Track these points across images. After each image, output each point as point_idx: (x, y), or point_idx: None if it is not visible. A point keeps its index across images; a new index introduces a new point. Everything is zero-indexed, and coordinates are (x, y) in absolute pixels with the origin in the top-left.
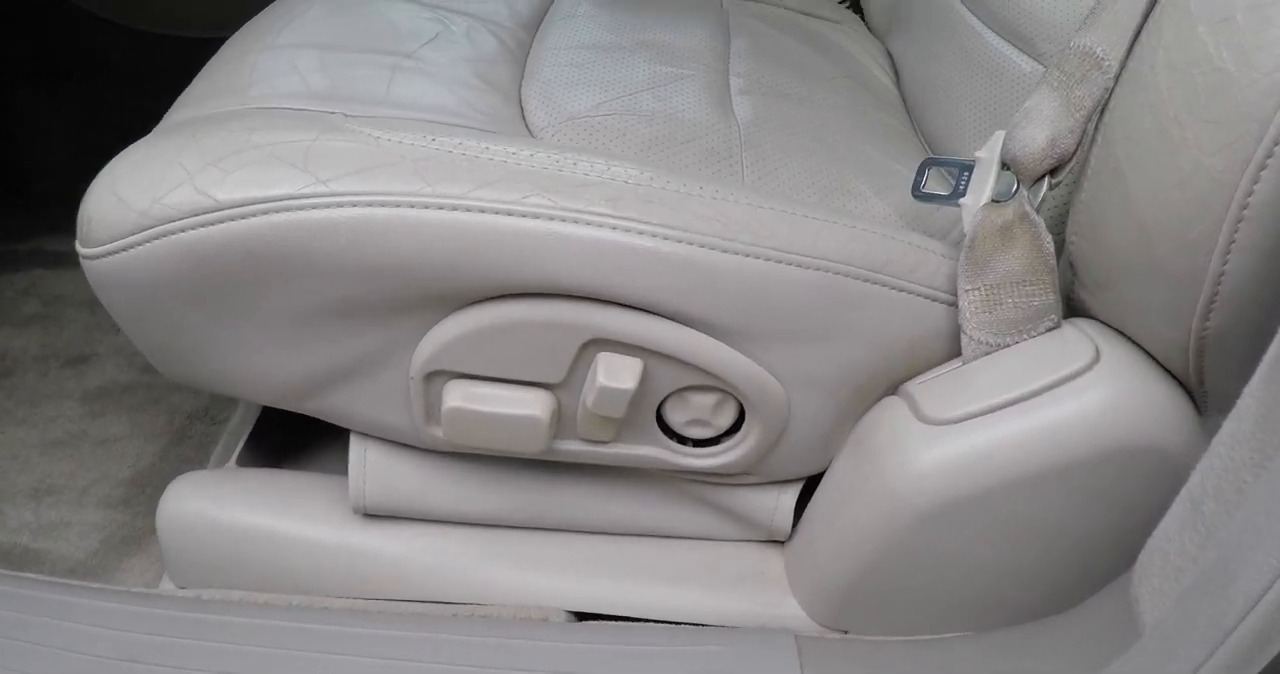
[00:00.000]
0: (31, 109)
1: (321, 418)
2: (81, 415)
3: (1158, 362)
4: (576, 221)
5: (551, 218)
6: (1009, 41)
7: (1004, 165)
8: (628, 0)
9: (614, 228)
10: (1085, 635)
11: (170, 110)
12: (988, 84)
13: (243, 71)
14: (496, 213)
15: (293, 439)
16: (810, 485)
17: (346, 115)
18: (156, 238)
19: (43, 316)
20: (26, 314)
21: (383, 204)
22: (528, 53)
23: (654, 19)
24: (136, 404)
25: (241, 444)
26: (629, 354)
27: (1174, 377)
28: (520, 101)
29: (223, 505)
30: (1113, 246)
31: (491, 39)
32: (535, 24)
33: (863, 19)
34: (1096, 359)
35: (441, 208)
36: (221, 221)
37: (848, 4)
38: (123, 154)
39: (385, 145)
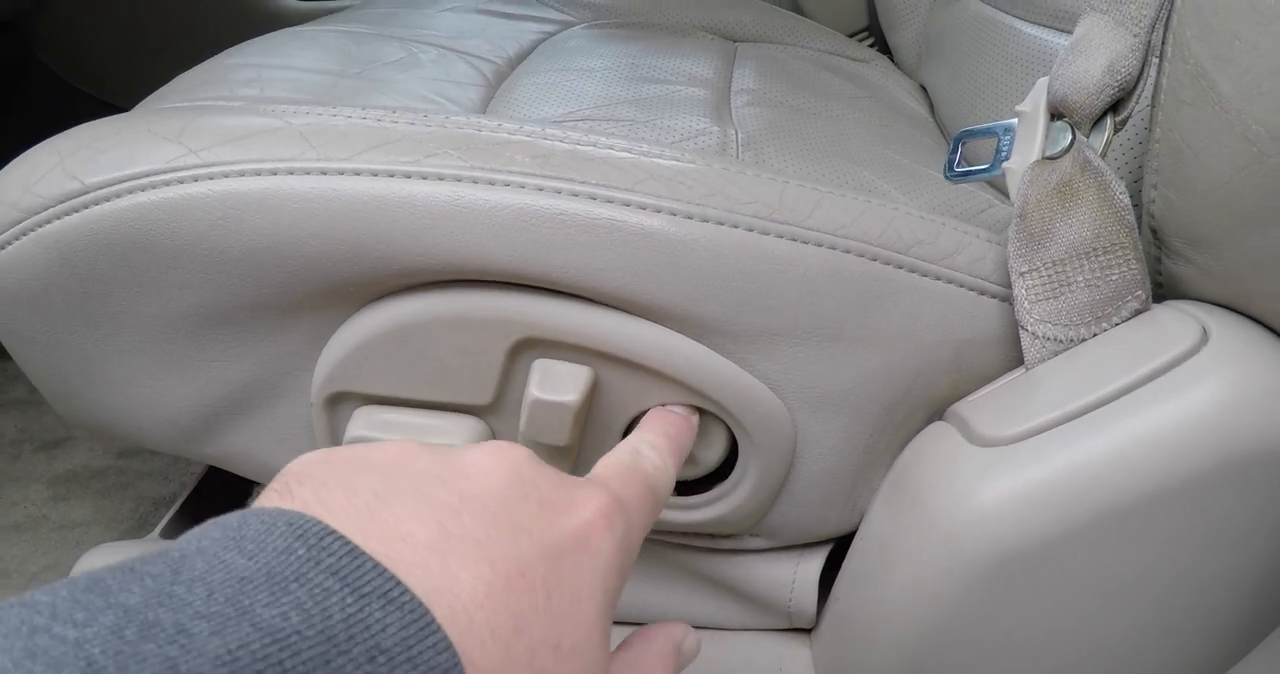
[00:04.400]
0: None
1: (228, 468)
2: (46, 499)
3: None
4: (492, 183)
5: (459, 179)
6: (1053, 28)
7: (1054, 115)
8: (629, 37)
9: (540, 189)
10: None
11: None
12: (1032, 76)
13: (190, 82)
14: (391, 176)
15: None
16: (838, 553)
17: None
18: (25, 233)
19: (25, 402)
20: (11, 398)
21: (257, 172)
22: (505, 81)
23: (653, 48)
24: (104, 489)
25: (171, 513)
26: (575, 359)
27: None
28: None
29: None
30: (1209, 181)
31: (464, 65)
32: (521, 59)
33: (891, 60)
34: (1204, 341)
35: (324, 173)
36: (86, 207)
37: (874, 45)
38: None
39: (274, 114)
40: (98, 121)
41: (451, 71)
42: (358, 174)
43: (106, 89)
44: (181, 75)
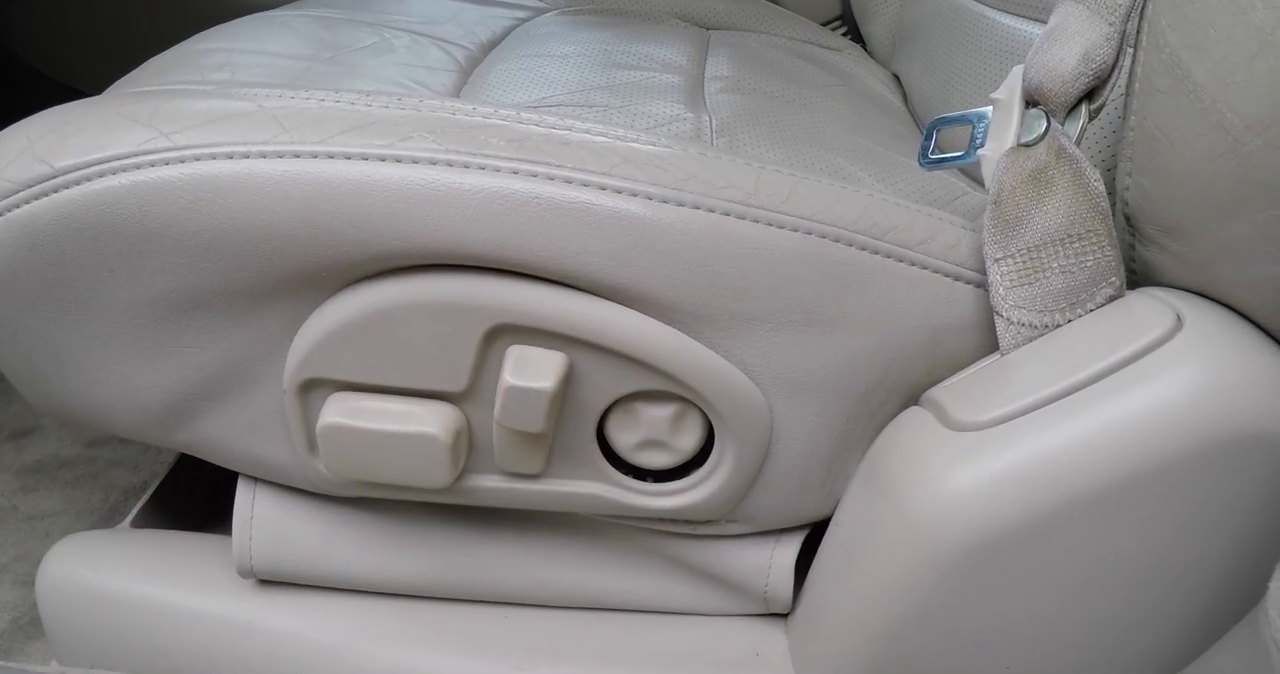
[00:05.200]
0: None
1: (199, 456)
2: (14, 490)
3: (1258, 326)
4: (467, 166)
5: (434, 162)
6: (1026, 17)
7: (1029, 103)
8: (602, 24)
9: (516, 172)
10: None
11: None
12: (1005, 65)
13: (159, 67)
14: (365, 159)
15: (212, 502)
16: (814, 538)
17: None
18: None
19: None
20: None
21: (229, 155)
22: (478, 67)
23: (626, 36)
24: (73, 479)
25: (141, 503)
26: (550, 345)
27: None
28: None
29: (102, 570)
30: (1184, 169)
31: (437, 51)
32: (494, 45)
33: (865, 49)
34: (1177, 327)
35: (298, 156)
36: (55, 191)
37: (848, 34)
38: None
39: (247, 98)
40: (66, 105)
41: (424, 57)
42: (331, 157)
43: (80, 77)
44: (150, 60)
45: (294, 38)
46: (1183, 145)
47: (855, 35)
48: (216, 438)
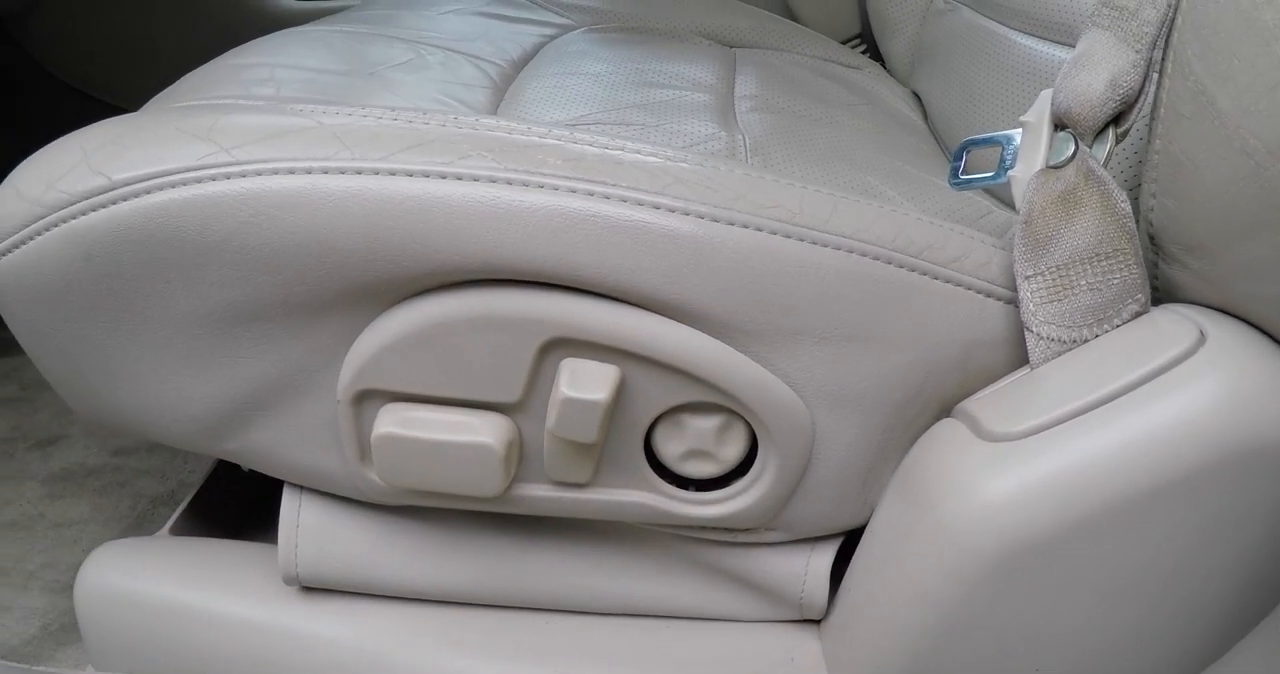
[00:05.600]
0: None
1: (246, 465)
2: (41, 497)
3: (1277, 342)
4: (526, 185)
5: (494, 180)
6: (1047, 38)
7: (1057, 126)
8: (629, 41)
9: (573, 191)
10: None
11: None
12: (1026, 86)
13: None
14: (427, 176)
15: (251, 510)
16: (848, 546)
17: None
18: (48, 228)
19: (18, 399)
20: (3, 397)
21: (291, 171)
22: (511, 83)
23: (655, 54)
24: (100, 487)
25: (180, 510)
26: (602, 358)
27: None
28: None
29: (142, 577)
30: (1207, 191)
31: (471, 68)
32: (525, 62)
33: (884, 66)
34: (1201, 342)
35: (360, 173)
36: (114, 203)
37: (867, 52)
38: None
39: (305, 114)
40: (116, 119)
41: (459, 74)
42: (393, 174)
43: (100, 87)
44: (187, 75)
45: (331, 54)
46: (1206, 169)
47: (874, 53)
48: (267, 447)
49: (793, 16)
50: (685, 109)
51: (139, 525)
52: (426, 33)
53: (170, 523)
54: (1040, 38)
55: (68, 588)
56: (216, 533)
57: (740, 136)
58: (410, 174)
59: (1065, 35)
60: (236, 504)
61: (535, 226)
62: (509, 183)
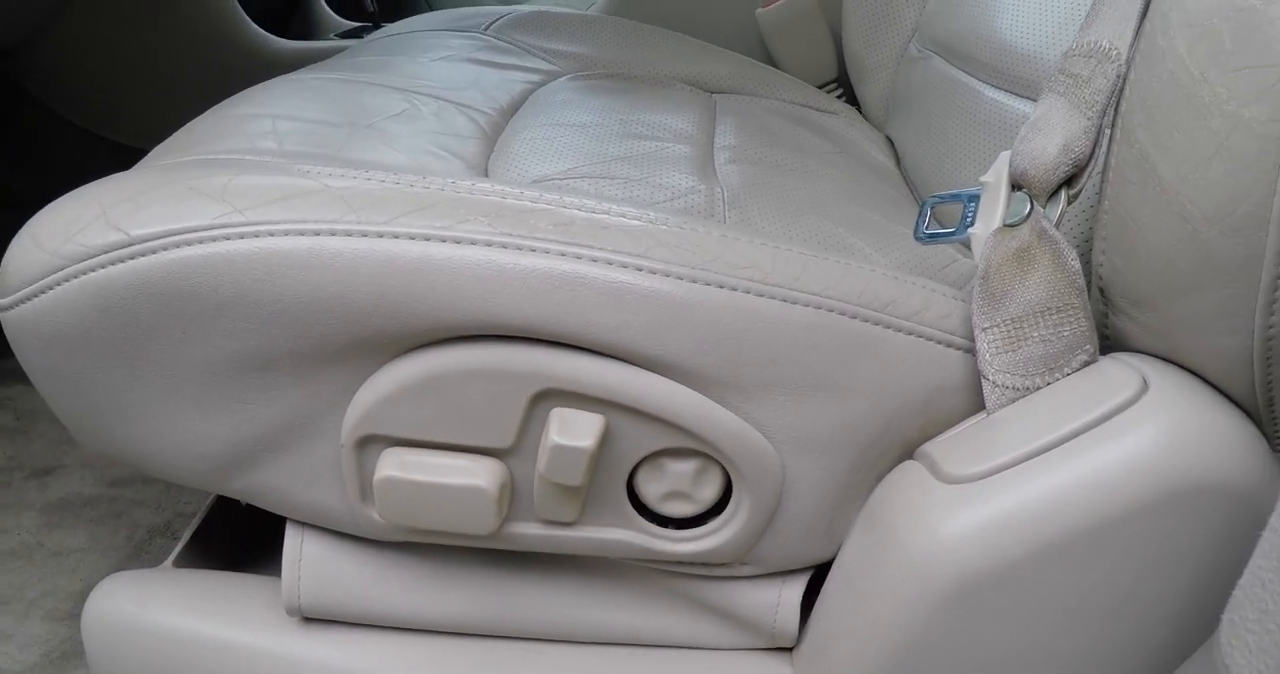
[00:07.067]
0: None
1: (252, 502)
2: (39, 526)
3: (1218, 389)
4: (519, 248)
5: (490, 243)
6: (1013, 93)
7: (1014, 186)
8: (613, 89)
9: (563, 255)
10: None
11: None
12: (995, 139)
13: (203, 133)
14: (427, 239)
15: (248, 543)
16: (818, 578)
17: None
18: (67, 279)
19: (13, 429)
20: None
21: (300, 232)
22: (500, 133)
23: (638, 102)
24: (97, 517)
25: (182, 544)
26: (589, 408)
27: (1238, 406)
28: (486, 172)
29: (149, 608)
30: (1149, 251)
31: (462, 118)
32: (514, 110)
33: (859, 111)
34: (1144, 389)
35: (365, 235)
36: (132, 258)
37: (843, 96)
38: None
39: (313, 176)
40: (129, 173)
41: (451, 124)
42: (396, 237)
43: (96, 121)
44: (190, 124)
45: (329, 104)
46: (1149, 230)
47: (851, 97)
48: (273, 486)
49: (772, 62)
50: (667, 161)
51: (136, 555)
52: (419, 81)
53: (173, 556)
54: (1008, 92)
55: (68, 616)
56: (215, 564)
57: (719, 189)
58: (412, 237)
59: (1031, 90)
60: (234, 537)
61: (528, 287)
62: (504, 246)
